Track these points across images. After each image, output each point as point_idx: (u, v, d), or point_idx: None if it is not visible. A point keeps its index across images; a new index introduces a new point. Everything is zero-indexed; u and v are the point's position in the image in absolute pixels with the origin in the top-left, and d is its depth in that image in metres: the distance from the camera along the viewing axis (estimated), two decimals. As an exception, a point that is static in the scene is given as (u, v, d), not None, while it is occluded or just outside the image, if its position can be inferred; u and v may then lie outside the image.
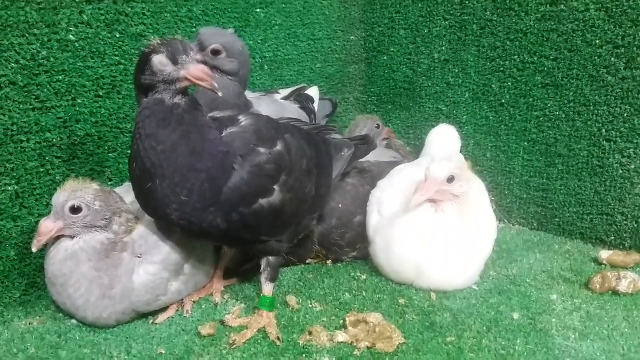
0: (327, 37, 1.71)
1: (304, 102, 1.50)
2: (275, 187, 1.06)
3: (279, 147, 1.08)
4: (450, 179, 1.19)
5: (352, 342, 1.06)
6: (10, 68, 1.08)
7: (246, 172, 1.01)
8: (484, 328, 1.12)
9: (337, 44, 1.75)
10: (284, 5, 1.57)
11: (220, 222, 1.01)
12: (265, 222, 1.07)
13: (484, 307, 1.19)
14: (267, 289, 1.15)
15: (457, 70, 1.61)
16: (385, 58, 1.76)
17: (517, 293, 1.24)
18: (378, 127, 1.69)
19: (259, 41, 1.53)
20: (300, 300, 1.21)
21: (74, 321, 1.12)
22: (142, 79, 0.96)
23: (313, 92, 1.58)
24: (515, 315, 1.16)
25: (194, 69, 0.94)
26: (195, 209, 0.99)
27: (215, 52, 1.21)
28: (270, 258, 1.14)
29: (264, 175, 1.04)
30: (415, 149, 1.74)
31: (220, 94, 0.97)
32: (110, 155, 1.27)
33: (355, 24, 1.77)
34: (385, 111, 1.81)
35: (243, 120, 1.07)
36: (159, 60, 0.93)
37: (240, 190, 1.00)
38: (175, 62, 0.94)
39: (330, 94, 1.77)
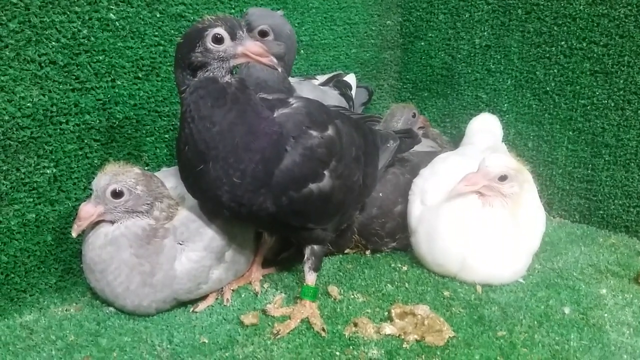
0: (363, 22, 1.66)
1: (343, 88, 1.46)
2: (326, 172, 1.03)
3: (330, 131, 1.04)
4: (503, 178, 1.15)
5: (399, 335, 1.03)
6: (51, 47, 1.04)
7: (298, 155, 0.98)
8: (535, 322, 1.08)
9: (373, 28, 1.70)
10: (321, -12, 1.53)
11: (270, 205, 0.98)
12: (313, 208, 1.03)
13: (533, 301, 1.15)
14: (311, 278, 1.11)
15: (499, 57, 1.56)
16: (422, 43, 1.71)
17: (565, 287, 1.20)
18: (414, 115, 1.63)
19: (296, 24, 1.49)
20: (342, 290, 1.17)
21: (111, 308, 1.10)
22: (192, 57, 0.92)
23: (351, 79, 1.54)
24: (566, 310, 1.12)
25: (252, 45, 0.91)
26: (247, 190, 0.96)
27: (263, 34, 1.17)
28: (315, 247, 1.11)
29: (315, 158, 1.00)
30: (451, 138, 1.69)
31: (280, 69, 0.94)
32: (148, 139, 1.23)
33: (392, 8, 1.72)
34: (420, 99, 1.76)
35: (294, 102, 1.04)
36: (216, 35, 0.89)
37: (291, 172, 0.97)
38: (233, 36, 0.90)
39: (364, 80, 1.72)
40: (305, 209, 1.03)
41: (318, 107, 1.07)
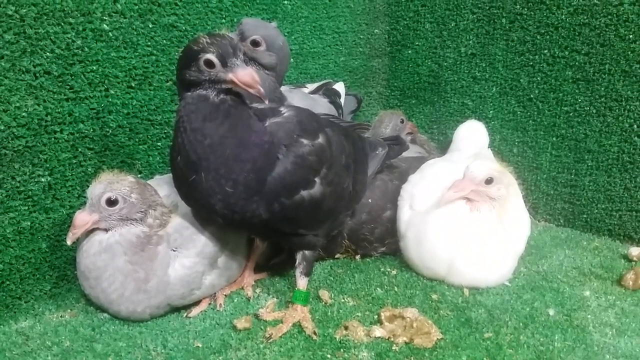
0: (351, 30, 1.70)
1: (332, 96, 1.49)
2: (316, 179, 1.05)
3: (321, 139, 1.07)
4: (489, 181, 1.18)
5: (389, 337, 1.05)
6: (45, 57, 1.06)
7: (290, 162, 1.01)
8: (521, 324, 1.11)
9: (361, 37, 1.73)
10: (310, -2, 1.56)
11: (263, 211, 1.00)
12: (305, 214, 1.06)
13: (518, 303, 1.18)
14: (302, 282, 1.14)
15: (484, 65, 1.59)
16: (409, 52, 1.74)
17: (550, 289, 1.23)
18: (402, 122, 1.67)
19: (286, 33, 1.51)
20: (333, 294, 1.20)
21: (106, 314, 1.11)
22: (186, 74, 0.94)
23: (340, 87, 1.57)
24: (551, 312, 1.15)
25: (242, 74, 0.92)
26: (240, 198, 0.98)
27: (255, 43, 1.20)
28: (306, 252, 1.13)
29: (306, 166, 1.03)
30: (439, 145, 1.73)
31: (267, 102, 0.96)
32: (141, 147, 1.25)
33: (379, 17, 1.75)
34: (408, 106, 1.79)
35: (285, 111, 1.06)
36: (207, 60, 0.91)
37: (283, 180, 1.00)
38: (224, 64, 0.92)
39: (353, 88, 1.75)
40: (297, 215, 1.05)
41: (309, 116, 1.10)
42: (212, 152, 0.95)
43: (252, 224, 1.03)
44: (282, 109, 1.07)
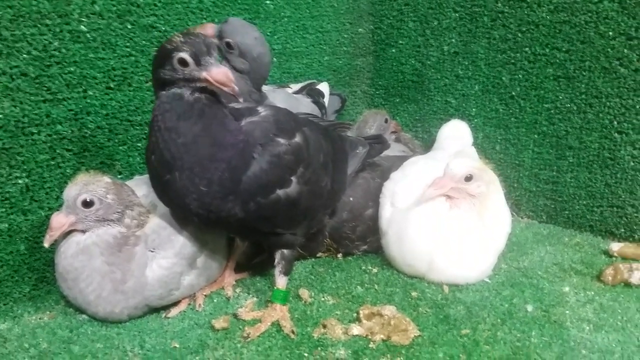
0: (335, 30, 1.70)
1: (316, 96, 1.49)
2: (293, 178, 1.05)
3: (298, 139, 1.07)
4: (469, 178, 1.19)
5: (367, 335, 1.06)
6: (22, 59, 1.06)
7: (265, 162, 1.01)
8: (498, 320, 1.11)
9: (345, 36, 1.73)
10: (292, -3, 1.56)
11: (238, 211, 1.01)
12: (281, 213, 1.06)
13: (497, 300, 1.18)
14: (281, 282, 1.14)
15: (466, 63, 1.60)
16: (393, 51, 1.75)
17: (530, 285, 1.24)
18: (386, 121, 1.67)
19: (268, 33, 1.52)
20: (313, 293, 1.20)
21: (84, 316, 1.11)
22: (160, 73, 0.94)
23: (323, 87, 1.57)
24: (529, 308, 1.16)
25: (216, 72, 0.92)
26: (214, 197, 0.98)
27: (229, 46, 1.20)
28: (285, 251, 1.14)
29: (282, 165, 1.03)
30: (423, 143, 1.73)
31: (241, 100, 0.96)
32: (120, 148, 1.25)
33: (363, 16, 1.76)
34: (393, 104, 1.80)
35: (262, 110, 1.07)
36: (180, 59, 0.92)
37: (259, 179, 1.00)
38: (197, 62, 0.92)
39: (337, 87, 1.76)
40: (273, 215, 1.05)
41: (286, 115, 1.10)
42: (186, 151, 0.95)
43: (229, 223, 1.03)
44: (259, 108, 1.08)
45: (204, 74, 0.93)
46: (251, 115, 1.06)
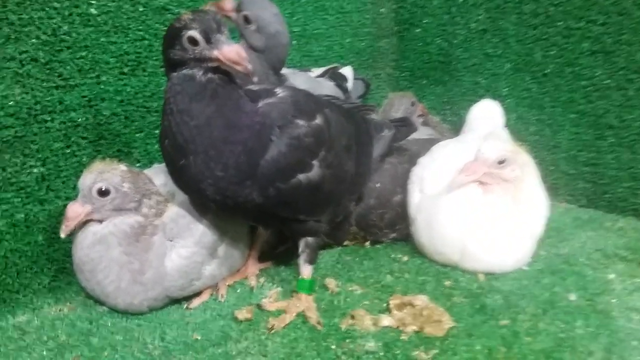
0: (356, 10, 1.64)
1: (338, 80, 1.43)
2: (314, 162, 1.00)
3: (318, 120, 1.01)
4: (502, 162, 1.12)
5: (398, 326, 0.99)
6: (30, 44, 1.03)
7: (284, 145, 0.95)
8: (539, 310, 1.04)
9: (367, 16, 1.67)
10: (312, -23, 1.50)
11: (257, 196, 0.96)
12: (303, 199, 1.01)
13: (537, 288, 1.11)
14: (306, 271, 1.09)
15: (496, 40, 1.52)
16: (418, 30, 1.68)
17: (572, 273, 1.16)
18: (413, 104, 1.61)
19: (287, 15, 1.46)
20: (340, 283, 1.14)
21: (105, 308, 1.08)
22: (170, 54, 0.90)
23: (347, 71, 1.51)
24: (572, 296, 1.08)
25: (227, 50, 0.87)
26: (231, 182, 0.93)
27: (246, 20, 1.15)
28: (309, 239, 1.08)
29: (302, 148, 0.98)
30: (452, 126, 1.66)
31: (255, 79, 0.91)
32: (137, 135, 1.22)
33: (385, -5, 1.69)
34: (419, 87, 1.73)
35: (280, 92, 1.01)
36: (190, 37, 0.87)
37: (277, 163, 0.95)
38: (208, 40, 0.87)
39: (360, 70, 1.69)
40: (294, 200, 1.00)
41: (305, 96, 1.05)
42: (199, 134, 0.91)
43: (247, 209, 0.98)
44: (277, 89, 1.02)
45: (215, 53, 0.88)
46: (268, 96, 1.00)
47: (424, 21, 1.65)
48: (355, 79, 1.58)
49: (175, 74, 0.92)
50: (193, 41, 0.88)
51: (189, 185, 0.97)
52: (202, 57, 0.89)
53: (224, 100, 0.92)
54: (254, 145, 0.93)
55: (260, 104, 0.97)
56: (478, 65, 1.57)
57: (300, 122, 0.98)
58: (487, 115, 1.48)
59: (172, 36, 0.89)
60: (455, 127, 1.64)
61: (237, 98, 0.94)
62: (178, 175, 0.98)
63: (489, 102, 1.52)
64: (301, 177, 0.98)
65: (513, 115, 1.53)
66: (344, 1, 1.60)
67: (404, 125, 1.33)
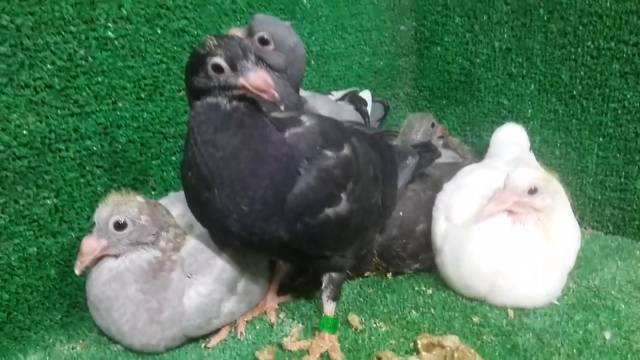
0: (375, 28, 1.59)
1: (358, 103, 1.38)
2: (343, 195, 0.95)
3: (346, 150, 0.97)
4: (533, 191, 1.07)
5: (428, 370, 0.95)
6: (46, 70, 0.98)
7: (313, 177, 0.91)
8: (574, 350, 0.99)
9: (386, 35, 1.62)
10: (331, -5, 1.46)
11: (283, 233, 0.91)
12: (330, 234, 0.96)
13: (570, 326, 1.06)
14: (329, 308, 1.04)
15: (520, 60, 1.47)
16: (438, 49, 1.63)
17: (604, 308, 1.11)
18: (433, 125, 1.56)
19: (305, 34, 1.42)
20: (363, 319, 1.10)
21: (119, 346, 1.03)
22: (194, 81, 0.85)
23: (365, 94, 1.47)
24: (607, 335, 1.03)
25: (253, 78, 0.82)
26: (257, 218, 0.89)
27: (263, 41, 1.10)
28: (333, 275, 1.04)
29: (331, 181, 0.93)
30: (473, 147, 1.61)
31: (282, 107, 0.86)
32: (154, 162, 1.17)
33: (405, 12, 1.64)
34: (438, 107, 1.68)
35: (306, 120, 0.97)
36: (215, 64, 0.82)
37: (306, 197, 0.90)
38: (233, 67, 0.83)
39: (379, 89, 1.65)
40: (322, 236, 0.95)
41: (332, 125, 1.00)
42: (226, 167, 0.86)
43: (273, 246, 0.94)
44: (303, 117, 0.98)
45: (241, 80, 0.83)
46: (294, 125, 0.96)
47: (445, 39, 1.60)
48: (374, 101, 1.54)
49: (199, 102, 0.87)
50: (218, 68, 0.83)
51: (213, 220, 0.92)
52: (227, 85, 0.84)
53: (251, 130, 0.87)
54: (282, 179, 0.89)
55: (287, 133, 0.93)
56: (501, 85, 1.52)
57: (329, 153, 0.94)
58: (512, 139, 1.44)
59: (196, 63, 0.85)
60: (477, 149, 1.60)
61: (264, 127, 0.89)
62: (201, 209, 0.93)
63: (513, 126, 1.48)
64: (329, 211, 0.93)
65: (537, 137, 1.48)
66: (363, 19, 1.55)
67: (428, 151, 1.28)
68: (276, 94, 0.83)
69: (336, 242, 1.00)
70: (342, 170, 0.95)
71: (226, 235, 0.94)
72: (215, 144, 0.86)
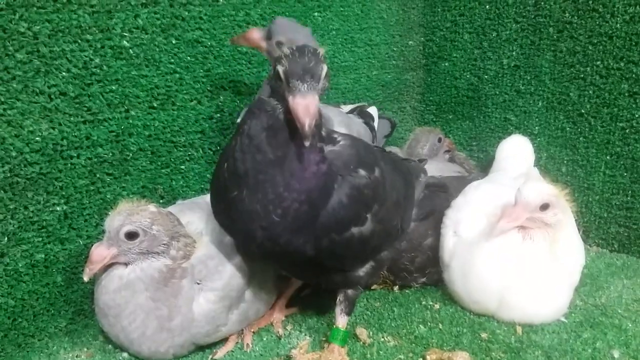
0: (384, 42, 1.60)
1: (367, 118, 1.38)
2: (368, 215, 0.94)
3: (377, 173, 0.96)
4: (544, 207, 1.07)
5: (438, 385, 0.95)
6: (61, 77, 0.99)
7: (345, 195, 0.90)
8: (583, 369, 0.99)
9: (395, 49, 1.63)
10: (341, 9, 1.46)
11: (309, 248, 0.90)
12: (351, 252, 0.95)
13: (578, 343, 1.06)
14: (342, 321, 1.03)
15: (529, 77, 1.48)
16: (446, 64, 1.64)
17: (612, 326, 1.11)
18: (440, 140, 1.57)
19: (316, 47, 1.42)
20: (371, 332, 1.09)
21: (125, 354, 1.02)
22: (272, 79, 0.86)
23: (372, 111, 1.47)
24: (615, 354, 1.03)
25: (297, 102, 0.80)
26: (286, 229, 0.87)
27: (280, 45, 1.10)
28: (349, 291, 1.03)
29: (361, 200, 0.92)
30: (479, 162, 1.62)
31: (307, 144, 0.84)
32: (163, 171, 1.17)
33: (414, 27, 1.65)
34: (445, 121, 1.69)
35: (340, 139, 0.96)
36: (278, 73, 0.82)
37: (337, 214, 0.89)
38: (287, 83, 0.81)
39: (386, 103, 1.65)
40: (344, 253, 0.94)
41: (365, 147, 1.00)
42: (263, 171, 0.85)
43: (293, 259, 0.93)
44: (335, 135, 0.97)
45: (290, 99, 0.82)
46: (330, 142, 0.94)
47: (453, 55, 1.61)
48: (380, 117, 1.54)
49: (266, 98, 0.87)
50: (279, 77, 0.83)
51: (235, 222, 0.90)
52: (283, 96, 0.84)
53: (295, 147, 0.86)
54: (319, 195, 0.88)
55: (326, 151, 0.91)
56: (509, 101, 1.53)
57: (363, 172, 0.93)
58: (517, 153, 1.44)
59: (273, 64, 0.85)
60: (482, 163, 1.61)
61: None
62: (226, 207, 0.91)
63: (519, 138, 1.47)
64: (355, 230, 0.93)
65: (544, 154, 1.48)
66: (372, 34, 1.56)
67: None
68: (307, 129, 0.80)
69: (354, 260, 1.00)
70: (372, 191, 0.94)
71: (246, 240, 0.92)
72: (259, 145, 0.85)
